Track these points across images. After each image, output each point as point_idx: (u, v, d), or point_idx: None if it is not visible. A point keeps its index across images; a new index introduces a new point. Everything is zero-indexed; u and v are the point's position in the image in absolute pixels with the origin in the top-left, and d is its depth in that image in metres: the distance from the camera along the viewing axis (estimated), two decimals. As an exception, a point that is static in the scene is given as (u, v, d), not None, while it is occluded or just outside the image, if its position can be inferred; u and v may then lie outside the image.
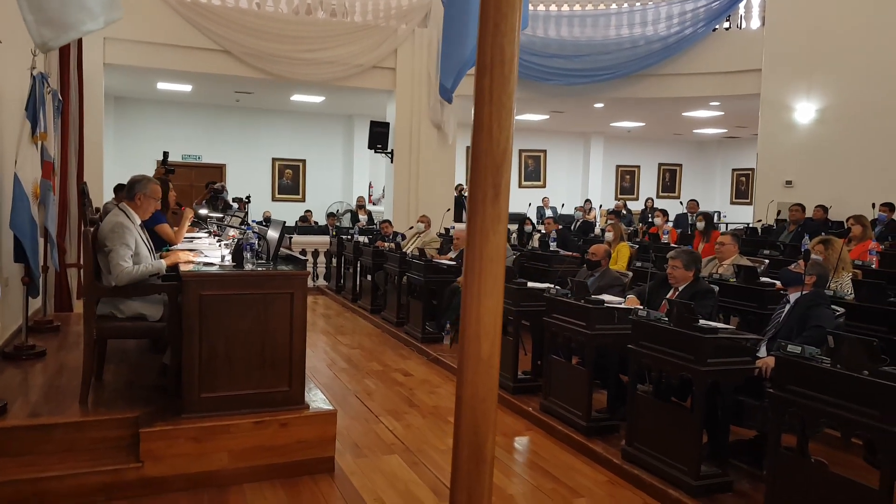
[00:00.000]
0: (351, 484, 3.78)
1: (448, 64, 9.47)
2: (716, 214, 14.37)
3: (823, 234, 8.28)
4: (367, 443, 4.41)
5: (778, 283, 5.56)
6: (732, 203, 19.32)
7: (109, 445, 3.53)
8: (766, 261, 6.80)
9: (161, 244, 4.83)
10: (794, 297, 4.29)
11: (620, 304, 4.69)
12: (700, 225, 8.19)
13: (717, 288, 5.11)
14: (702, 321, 3.86)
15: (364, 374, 6.10)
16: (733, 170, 20.01)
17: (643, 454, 3.97)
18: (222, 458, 3.61)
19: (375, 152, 11.85)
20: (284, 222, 4.27)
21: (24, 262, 4.56)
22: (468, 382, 0.87)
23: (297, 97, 13.43)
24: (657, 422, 3.92)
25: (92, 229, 3.88)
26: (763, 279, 5.60)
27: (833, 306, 4.18)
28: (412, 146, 11.65)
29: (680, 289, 4.83)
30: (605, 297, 4.79)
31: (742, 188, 19.73)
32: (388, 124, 11.75)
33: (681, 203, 14.59)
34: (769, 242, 8.69)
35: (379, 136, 11.54)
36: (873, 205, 8.94)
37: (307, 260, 4.16)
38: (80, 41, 7.24)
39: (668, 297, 4.89)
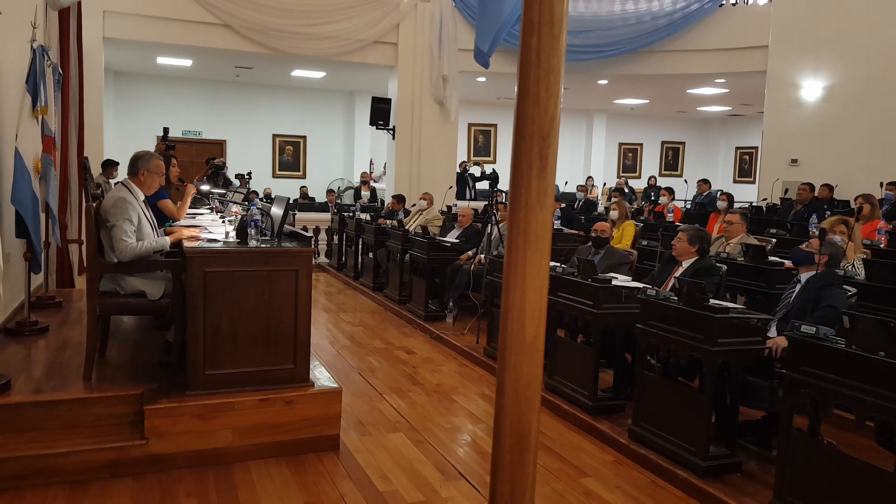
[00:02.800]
0: (356, 461, 3.76)
1: (484, 25, 9.08)
2: (717, 193, 14.27)
3: (829, 213, 8.24)
4: (372, 420, 4.39)
5: (787, 262, 5.52)
6: (735, 182, 19.20)
7: (113, 422, 3.49)
8: (774, 240, 6.74)
9: (163, 220, 4.77)
10: (805, 276, 4.23)
11: (629, 283, 4.65)
12: (722, 204, 8.08)
13: (724, 267, 5.07)
14: (712, 300, 3.81)
15: (367, 351, 6.07)
16: (737, 148, 19.86)
17: (650, 434, 3.94)
18: (227, 436, 3.58)
19: (377, 129, 11.73)
20: (289, 199, 4.20)
21: (26, 237, 4.50)
22: (511, 366, 0.82)
23: (297, 72, 13.27)
24: (665, 402, 3.88)
25: (94, 205, 3.81)
26: (771, 258, 5.55)
27: (845, 286, 4.13)
28: (414, 123, 11.53)
29: (684, 265, 4.79)
30: (618, 276, 4.74)
31: (745, 167, 19.61)
32: (389, 100, 11.62)
33: (685, 182, 14.48)
34: (775, 221, 8.63)
35: (380, 113, 11.41)
36: (881, 184, 8.85)
37: (312, 237, 4.09)
38: (79, 15, 7.11)
39: (672, 274, 4.86)
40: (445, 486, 3.54)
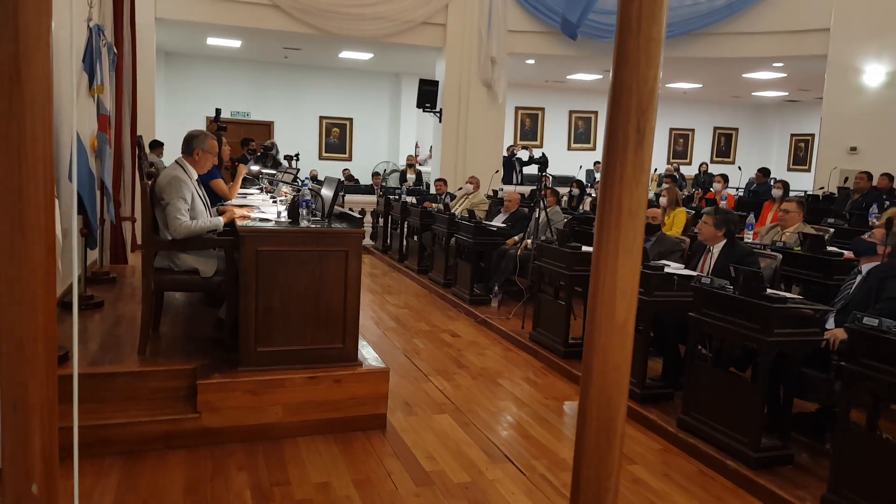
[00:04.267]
0: (402, 441, 3.78)
1: None
2: (772, 181, 13.87)
3: (888, 203, 7.93)
4: (418, 401, 4.41)
5: (846, 252, 5.34)
6: (790, 170, 18.63)
7: (168, 395, 3.58)
8: (831, 230, 6.52)
9: (215, 200, 4.84)
10: (866, 267, 4.09)
11: (681, 270, 4.55)
12: (777, 192, 7.86)
13: (779, 256, 4.93)
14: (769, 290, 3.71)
15: (412, 333, 6.09)
16: (792, 135, 19.25)
17: (700, 423, 3.87)
18: (277, 412, 3.64)
19: (424, 111, 11.69)
20: (340, 180, 4.21)
21: (83, 213, 4.62)
22: (599, 348, 0.79)
23: (345, 54, 13.30)
24: (716, 391, 3.80)
25: (149, 183, 3.88)
26: (829, 248, 5.37)
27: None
28: (461, 105, 11.46)
29: (714, 251, 4.66)
30: (671, 264, 4.65)
31: (801, 154, 19.01)
32: (437, 83, 11.56)
33: (739, 169, 14.11)
34: (832, 211, 8.35)
35: (428, 95, 11.36)
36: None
37: (362, 218, 4.11)
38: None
39: (702, 260, 4.74)
40: (491, 468, 3.54)
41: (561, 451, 3.80)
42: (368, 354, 4.12)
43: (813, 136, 18.20)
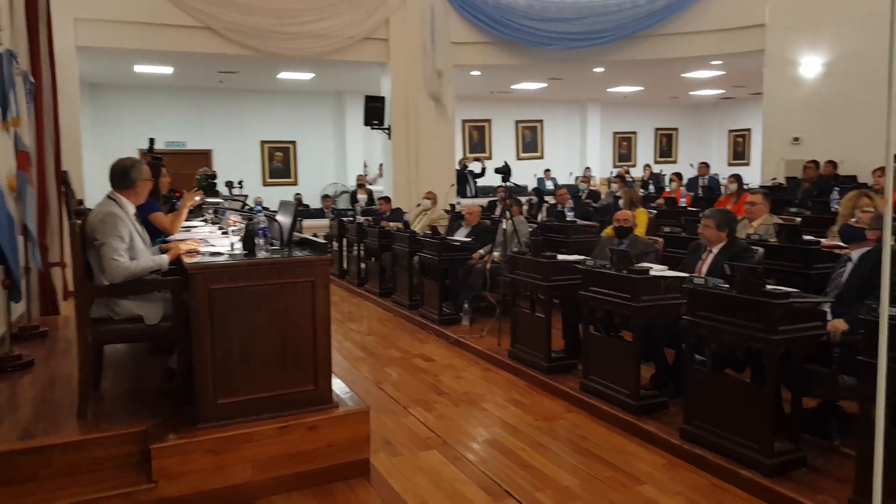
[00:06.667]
0: (390, 487, 3.40)
1: None
2: (717, 176, 14.06)
3: (837, 189, 7.98)
4: (401, 438, 4.03)
5: (823, 240, 5.23)
6: (730, 164, 19.03)
7: (116, 465, 3.10)
8: (798, 219, 6.44)
9: (154, 235, 4.36)
10: (856, 254, 3.92)
11: (667, 272, 4.31)
12: (732, 187, 7.85)
13: (760, 249, 4.77)
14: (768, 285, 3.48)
15: (383, 362, 5.71)
16: (730, 131, 19.73)
17: (705, 433, 3.63)
18: (246, 471, 3.21)
19: (372, 128, 11.36)
20: (297, 203, 3.82)
21: (3, 263, 4.08)
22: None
23: (284, 75, 12.89)
24: (720, 397, 3.57)
25: (79, 222, 3.41)
26: (806, 238, 5.23)
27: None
28: (410, 120, 11.18)
29: (714, 251, 4.47)
30: (654, 266, 4.41)
31: (739, 149, 19.46)
32: (383, 99, 11.26)
33: (691, 166, 14.22)
34: (785, 201, 8.37)
35: (374, 112, 11.04)
36: (896, 157, 8.58)
37: (327, 243, 3.72)
38: (48, 22, 6.69)
39: (702, 260, 4.55)
40: (493, 507, 3.20)
41: (563, 479, 3.48)
42: (343, 393, 3.72)
43: (750, 130, 18.64)
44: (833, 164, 9.41)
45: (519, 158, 17.74)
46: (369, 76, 12.06)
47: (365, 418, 3.51)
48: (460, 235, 7.29)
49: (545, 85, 15.29)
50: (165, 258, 3.50)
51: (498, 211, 8.89)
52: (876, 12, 9.37)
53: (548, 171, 16.71)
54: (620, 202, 7.89)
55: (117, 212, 3.45)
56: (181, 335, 3.35)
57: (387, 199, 9.99)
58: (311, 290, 3.38)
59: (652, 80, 15.34)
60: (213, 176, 7.06)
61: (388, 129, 11.22)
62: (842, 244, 4.57)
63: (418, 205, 8.88)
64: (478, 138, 17.68)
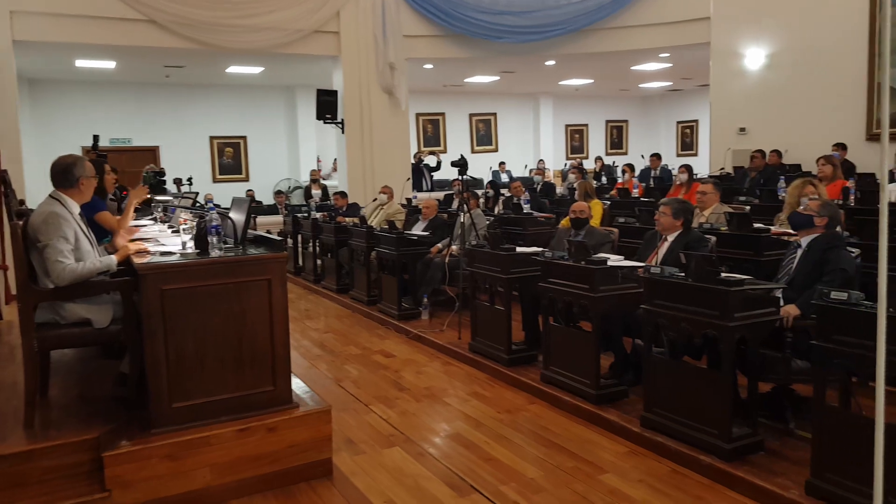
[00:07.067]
0: (354, 486, 3.36)
1: None
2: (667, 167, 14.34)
3: (782, 178, 8.21)
4: (363, 437, 3.98)
5: (773, 228, 5.35)
6: (679, 155, 19.42)
7: (67, 475, 2.97)
8: (748, 207, 6.59)
9: (101, 235, 4.20)
10: (805, 240, 4.02)
11: (624, 262, 4.36)
12: (683, 177, 7.99)
13: (713, 238, 4.85)
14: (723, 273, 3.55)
15: (342, 359, 5.64)
16: (678, 122, 20.11)
17: (665, 420, 3.69)
18: (205, 475, 3.12)
19: (325, 123, 11.19)
20: (251, 200, 3.73)
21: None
22: None
23: (233, 69, 12.60)
24: (679, 385, 3.63)
25: (21, 223, 3.26)
26: (757, 225, 5.35)
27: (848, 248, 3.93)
28: (363, 114, 11.05)
29: (669, 240, 4.55)
30: (611, 256, 4.44)
31: (687, 140, 19.88)
32: (335, 92, 11.10)
33: (642, 157, 14.47)
34: (734, 189, 8.57)
35: (327, 106, 10.87)
36: (841, 145, 8.90)
37: (283, 240, 3.63)
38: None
39: (658, 249, 4.62)
40: (459, 502, 3.17)
41: (527, 471, 3.48)
42: (303, 392, 3.65)
43: (697, 121, 19.06)
44: (778, 153, 9.66)
45: (474, 152, 17.77)
46: (321, 70, 11.88)
47: (326, 418, 3.45)
48: (417, 229, 7.25)
49: (498, 78, 15.33)
50: (114, 259, 3.37)
51: (455, 204, 8.89)
52: (815, 5, 9.69)
53: (502, 163, 16.77)
54: (577, 194, 7.95)
55: (61, 212, 3.30)
56: (132, 338, 3.23)
57: (343, 194, 9.88)
58: (268, 289, 3.30)
59: (602, 73, 15.52)
60: (161, 173, 6.86)
61: (342, 123, 11.08)
62: (791, 231, 4.68)
63: (374, 199, 8.79)
64: (432, 132, 17.64)
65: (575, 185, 9.78)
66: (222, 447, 3.16)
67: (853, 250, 3.99)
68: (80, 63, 11.43)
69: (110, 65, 11.72)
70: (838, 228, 4.05)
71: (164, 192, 7.30)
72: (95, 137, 6.47)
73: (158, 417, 3.10)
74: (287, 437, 3.31)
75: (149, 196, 4.97)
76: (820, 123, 9.64)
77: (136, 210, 5.06)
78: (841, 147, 8.85)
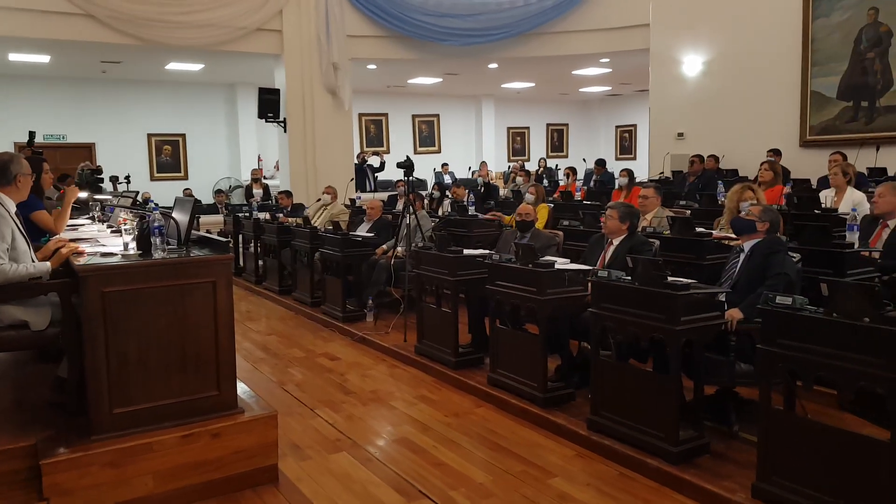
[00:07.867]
0: (300, 492, 3.30)
1: None
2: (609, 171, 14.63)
3: (721, 182, 8.48)
4: (309, 442, 3.91)
5: (714, 232, 5.49)
6: (617, 159, 19.88)
7: (3, 483, 2.84)
8: (688, 211, 6.78)
9: (37, 235, 4.01)
10: (748, 245, 4.13)
11: (572, 266, 4.42)
12: (623, 181, 8.15)
13: (657, 242, 4.96)
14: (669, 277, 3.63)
15: (286, 362, 5.54)
16: (616, 126, 20.58)
17: (612, 423, 3.71)
18: (147, 483, 3.01)
19: (267, 121, 11.01)
20: (195, 200, 3.63)
21: None
22: None
23: (172, 66, 12.26)
24: (625, 388, 3.66)
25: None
26: (698, 229, 5.50)
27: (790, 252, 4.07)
28: (306, 114, 10.92)
29: (615, 243, 4.64)
30: (558, 259, 4.50)
31: (626, 144, 20.35)
32: (277, 91, 10.93)
33: (584, 161, 14.73)
34: (673, 194, 8.79)
35: (269, 104, 10.70)
36: (776, 151, 9.22)
37: (229, 241, 3.55)
38: None
39: (604, 252, 4.70)
40: (409, 508, 3.16)
41: (476, 476, 3.48)
42: (248, 397, 3.57)
43: (636, 126, 19.55)
44: (716, 158, 9.91)
45: (417, 152, 17.78)
46: (263, 68, 11.69)
47: (272, 423, 3.38)
48: (362, 230, 7.19)
49: (441, 80, 15.38)
50: (48, 265, 3.23)
51: (399, 205, 8.86)
52: (750, 13, 10.05)
53: (445, 165, 16.82)
54: (527, 196, 7.99)
55: (-6, 209, 3.15)
56: (71, 342, 3.11)
57: (288, 194, 9.70)
58: (213, 291, 3.23)
59: (543, 77, 15.76)
60: (98, 171, 6.61)
61: (284, 122, 10.91)
62: (732, 235, 4.82)
63: (318, 199, 8.69)
64: (375, 132, 17.55)
65: (521, 188, 9.87)
66: (165, 454, 3.06)
67: (794, 255, 4.12)
68: (14, 57, 10.98)
69: (44, 59, 11.28)
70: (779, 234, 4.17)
71: (100, 190, 7.04)
72: (31, 133, 6.20)
73: (99, 424, 2.99)
74: (232, 443, 3.23)
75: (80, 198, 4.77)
76: (755, 129, 9.97)
77: (72, 209, 4.87)
78: (776, 153, 9.15)
